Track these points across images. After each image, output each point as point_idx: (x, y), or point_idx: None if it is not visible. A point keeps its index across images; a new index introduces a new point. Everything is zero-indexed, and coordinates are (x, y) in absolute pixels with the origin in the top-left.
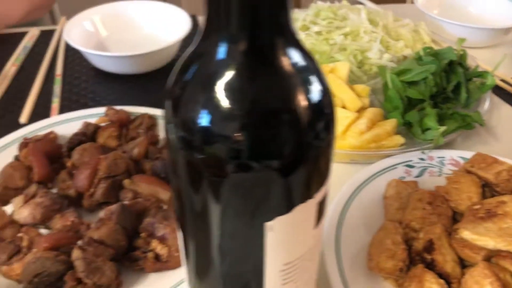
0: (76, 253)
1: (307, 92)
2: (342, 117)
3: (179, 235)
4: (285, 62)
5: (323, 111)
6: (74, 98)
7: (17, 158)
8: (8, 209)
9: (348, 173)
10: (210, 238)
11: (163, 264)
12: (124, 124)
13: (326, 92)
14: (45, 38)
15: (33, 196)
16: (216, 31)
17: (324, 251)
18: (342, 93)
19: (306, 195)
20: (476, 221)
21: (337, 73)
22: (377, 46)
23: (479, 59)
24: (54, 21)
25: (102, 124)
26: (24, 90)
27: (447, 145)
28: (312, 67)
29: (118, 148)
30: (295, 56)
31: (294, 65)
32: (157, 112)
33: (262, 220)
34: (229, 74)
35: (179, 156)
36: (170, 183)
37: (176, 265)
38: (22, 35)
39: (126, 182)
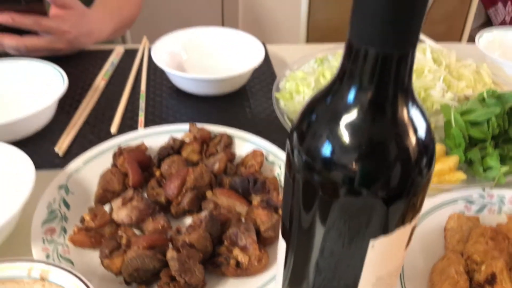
0: (171, 253)
1: (416, 138)
2: None
3: (282, 245)
4: (400, 111)
5: (427, 154)
6: (157, 113)
7: (114, 165)
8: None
9: None
10: (311, 252)
11: (243, 271)
12: (205, 141)
13: (431, 138)
14: (129, 55)
15: (130, 199)
16: (350, 82)
17: None
18: None
19: (406, 220)
20: None
21: None
22: (440, 85)
23: None
24: (123, 40)
25: (187, 140)
26: (112, 103)
27: (507, 185)
28: (422, 118)
29: (199, 163)
30: (409, 107)
31: (407, 114)
32: (233, 131)
33: (366, 239)
34: (354, 115)
35: (299, 176)
36: (283, 199)
37: (255, 273)
38: (109, 52)
39: (208, 193)
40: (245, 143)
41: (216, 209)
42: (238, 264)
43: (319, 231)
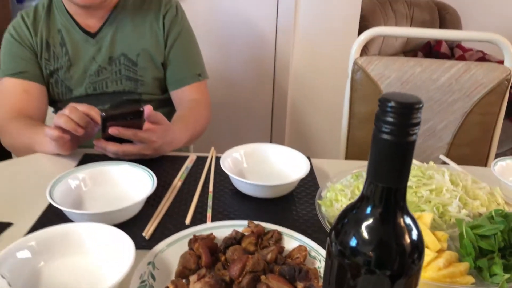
0: None
1: (410, 237)
2: (427, 254)
3: None
4: (398, 221)
5: (418, 250)
6: (221, 210)
7: (191, 248)
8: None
9: None
10: None
11: None
12: (260, 235)
13: (420, 239)
14: (200, 161)
15: (203, 276)
16: (368, 202)
17: None
18: (425, 236)
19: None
20: None
21: (422, 220)
22: (457, 203)
23: None
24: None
25: (246, 233)
26: (186, 200)
27: None
28: (413, 223)
29: (255, 252)
30: (405, 218)
31: (403, 222)
32: (283, 229)
33: None
34: (370, 222)
35: (335, 261)
36: (324, 277)
37: None
38: (185, 158)
39: (262, 277)
40: (292, 239)
41: None
42: None
43: None
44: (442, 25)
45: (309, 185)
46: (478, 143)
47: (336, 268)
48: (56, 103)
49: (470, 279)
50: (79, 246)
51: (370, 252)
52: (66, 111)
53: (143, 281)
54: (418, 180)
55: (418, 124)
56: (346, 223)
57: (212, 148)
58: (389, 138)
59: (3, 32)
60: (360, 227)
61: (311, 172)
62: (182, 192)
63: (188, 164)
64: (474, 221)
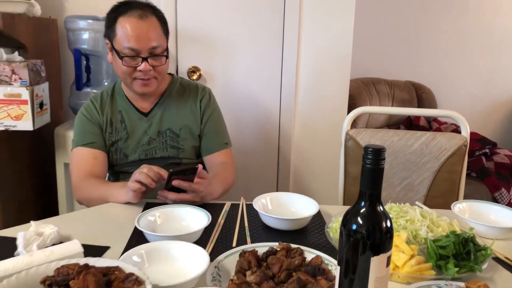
0: None
1: (385, 222)
2: (403, 257)
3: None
4: (378, 209)
5: (389, 232)
6: (255, 237)
7: (243, 256)
8: None
9: None
10: (349, 269)
11: None
12: (288, 250)
13: (391, 225)
14: (234, 207)
15: (255, 272)
16: (360, 201)
17: None
18: (401, 245)
19: (383, 252)
20: None
21: (400, 236)
22: (425, 229)
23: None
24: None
25: (278, 248)
26: (229, 232)
27: (459, 279)
28: (387, 215)
29: (285, 260)
30: (382, 210)
31: (382, 212)
32: (303, 247)
33: (369, 257)
34: (361, 212)
35: (345, 239)
36: (339, 253)
37: None
38: (223, 204)
39: (294, 274)
40: (311, 253)
41: (299, 281)
42: None
43: (354, 260)
44: (420, 102)
45: (318, 222)
46: (448, 194)
47: (344, 244)
48: (113, 166)
49: (433, 272)
50: (169, 255)
51: (364, 231)
52: (144, 169)
53: (214, 277)
54: (397, 213)
55: (383, 159)
56: (348, 218)
57: (242, 197)
58: (369, 166)
59: (58, 114)
60: (356, 217)
61: (319, 212)
62: (226, 227)
63: (226, 208)
64: (436, 239)
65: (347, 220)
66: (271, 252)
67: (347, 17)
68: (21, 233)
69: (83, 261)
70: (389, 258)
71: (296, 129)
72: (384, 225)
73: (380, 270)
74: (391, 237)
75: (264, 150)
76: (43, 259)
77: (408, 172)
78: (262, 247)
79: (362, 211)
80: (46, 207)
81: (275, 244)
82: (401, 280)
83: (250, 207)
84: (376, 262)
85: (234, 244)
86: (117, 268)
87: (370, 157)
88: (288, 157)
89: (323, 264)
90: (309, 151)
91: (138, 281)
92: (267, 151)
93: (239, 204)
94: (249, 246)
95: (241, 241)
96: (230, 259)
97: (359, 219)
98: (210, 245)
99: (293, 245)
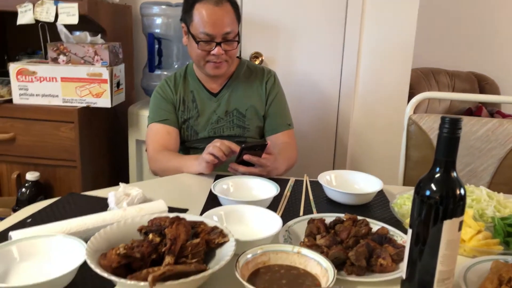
0: (353, 252)
1: (459, 189)
2: (470, 231)
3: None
4: (452, 177)
5: (462, 199)
6: (321, 210)
7: (311, 224)
8: None
9: (472, 260)
10: (420, 235)
11: (383, 268)
12: (355, 220)
13: (464, 192)
14: (298, 182)
15: (324, 236)
16: (435, 167)
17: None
18: (469, 221)
19: (456, 216)
20: None
21: (467, 213)
22: (491, 208)
23: None
24: None
25: (345, 218)
26: (294, 204)
27: None
28: (460, 183)
29: (352, 228)
30: (456, 176)
31: (457, 178)
32: (369, 219)
33: (441, 221)
34: (436, 178)
35: (418, 202)
36: (411, 219)
37: (390, 271)
38: (287, 180)
39: (361, 241)
40: (376, 225)
41: (368, 246)
42: (381, 265)
43: (426, 224)
44: (482, 93)
45: (381, 199)
46: None
47: (417, 208)
48: (184, 142)
49: (500, 248)
50: (244, 217)
51: (438, 196)
52: (217, 143)
53: (285, 239)
54: None
55: (460, 128)
56: (421, 185)
57: (305, 174)
58: (446, 134)
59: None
60: (430, 183)
61: (381, 190)
62: (291, 198)
63: (290, 183)
64: (504, 216)
65: (420, 187)
66: (338, 221)
67: (412, 6)
68: (112, 193)
69: (172, 215)
70: (461, 222)
71: (355, 114)
72: (458, 192)
73: (452, 233)
74: (464, 204)
75: (321, 134)
76: (135, 214)
77: (472, 158)
78: (329, 217)
79: (436, 176)
80: (118, 179)
81: (341, 215)
82: (467, 254)
83: (313, 183)
84: (448, 225)
85: (301, 214)
86: (202, 223)
87: (447, 126)
88: (346, 141)
89: (389, 234)
90: (367, 136)
91: (223, 234)
92: (324, 135)
93: (302, 181)
94: (316, 216)
95: (307, 212)
96: (299, 225)
97: (433, 185)
98: (279, 213)
99: (359, 217)
